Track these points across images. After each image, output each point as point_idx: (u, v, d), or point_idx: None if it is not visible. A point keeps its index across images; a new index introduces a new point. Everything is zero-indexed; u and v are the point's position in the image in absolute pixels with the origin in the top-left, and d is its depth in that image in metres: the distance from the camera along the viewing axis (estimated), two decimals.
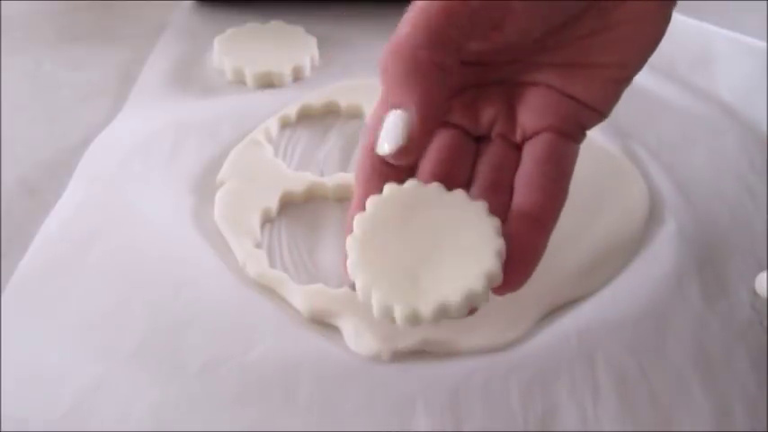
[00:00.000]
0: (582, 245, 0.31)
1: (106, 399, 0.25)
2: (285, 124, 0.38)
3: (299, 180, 0.34)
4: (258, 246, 0.31)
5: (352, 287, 0.22)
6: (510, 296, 0.29)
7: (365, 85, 0.41)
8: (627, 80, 0.24)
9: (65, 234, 0.31)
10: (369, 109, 0.39)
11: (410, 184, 0.23)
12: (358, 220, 0.22)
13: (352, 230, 0.22)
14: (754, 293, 0.30)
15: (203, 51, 0.44)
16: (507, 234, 0.22)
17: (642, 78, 0.43)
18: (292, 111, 0.39)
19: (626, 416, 0.25)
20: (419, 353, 0.27)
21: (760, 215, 0.34)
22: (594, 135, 0.38)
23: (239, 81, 0.42)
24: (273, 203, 0.33)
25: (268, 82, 0.42)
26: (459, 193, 0.23)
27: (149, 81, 0.42)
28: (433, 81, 0.20)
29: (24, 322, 0.27)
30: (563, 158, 0.24)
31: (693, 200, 0.34)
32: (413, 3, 0.21)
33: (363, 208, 0.22)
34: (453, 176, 0.24)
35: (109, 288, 0.29)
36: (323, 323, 0.28)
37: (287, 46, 0.44)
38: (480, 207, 0.22)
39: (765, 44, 0.44)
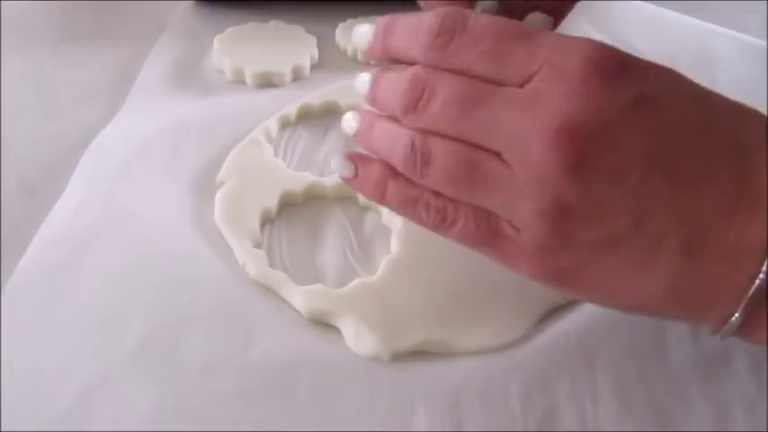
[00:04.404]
0: None
1: (106, 399, 0.25)
2: (285, 124, 0.38)
3: (298, 180, 0.34)
4: (258, 246, 0.31)
5: None
6: (510, 296, 0.29)
7: None
8: None
9: (65, 234, 0.31)
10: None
11: None
12: None
13: None
14: None
15: (203, 51, 0.44)
16: None
17: None
18: (292, 111, 0.39)
19: (625, 417, 0.25)
20: (419, 353, 0.27)
21: None
22: None
23: (239, 81, 0.42)
24: (273, 203, 0.33)
25: (268, 82, 0.42)
26: None
27: (149, 81, 0.42)
28: None
29: (24, 322, 0.27)
30: None
31: None
32: None
33: None
34: None
35: (109, 288, 0.29)
36: (323, 323, 0.28)
37: (287, 46, 0.44)
38: None
39: (765, 44, 0.44)
